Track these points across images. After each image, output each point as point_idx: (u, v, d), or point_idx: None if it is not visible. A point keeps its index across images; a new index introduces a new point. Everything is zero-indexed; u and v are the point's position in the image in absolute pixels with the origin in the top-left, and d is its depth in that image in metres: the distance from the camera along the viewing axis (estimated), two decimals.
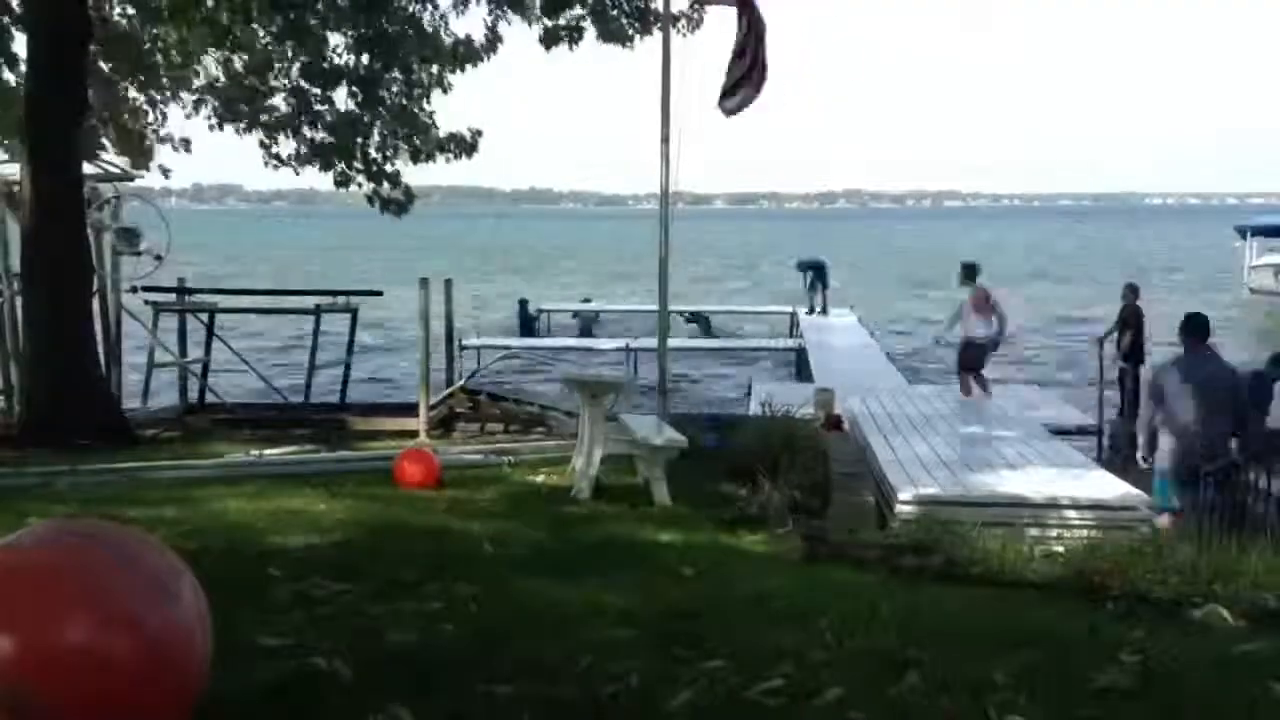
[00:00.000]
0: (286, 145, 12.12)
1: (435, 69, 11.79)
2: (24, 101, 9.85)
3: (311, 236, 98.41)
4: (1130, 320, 14.08)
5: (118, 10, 11.71)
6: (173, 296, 12.49)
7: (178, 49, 11.57)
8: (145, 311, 12.12)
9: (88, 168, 10.63)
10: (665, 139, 8.98)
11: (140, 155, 12.39)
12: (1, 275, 10.70)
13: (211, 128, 12.05)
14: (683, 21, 10.96)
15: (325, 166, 12.11)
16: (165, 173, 13.39)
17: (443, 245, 72.88)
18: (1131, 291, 14.37)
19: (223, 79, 11.92)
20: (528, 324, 26.08)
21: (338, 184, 12.33)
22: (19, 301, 10.41)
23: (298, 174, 12.34)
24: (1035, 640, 3.83)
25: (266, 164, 12.21)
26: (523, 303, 27.02)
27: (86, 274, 10.13)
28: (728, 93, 8.80)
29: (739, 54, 8.72)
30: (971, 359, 12.54)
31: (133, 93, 12.29)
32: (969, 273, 12.78)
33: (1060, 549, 5.75)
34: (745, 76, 8.72)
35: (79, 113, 9.84)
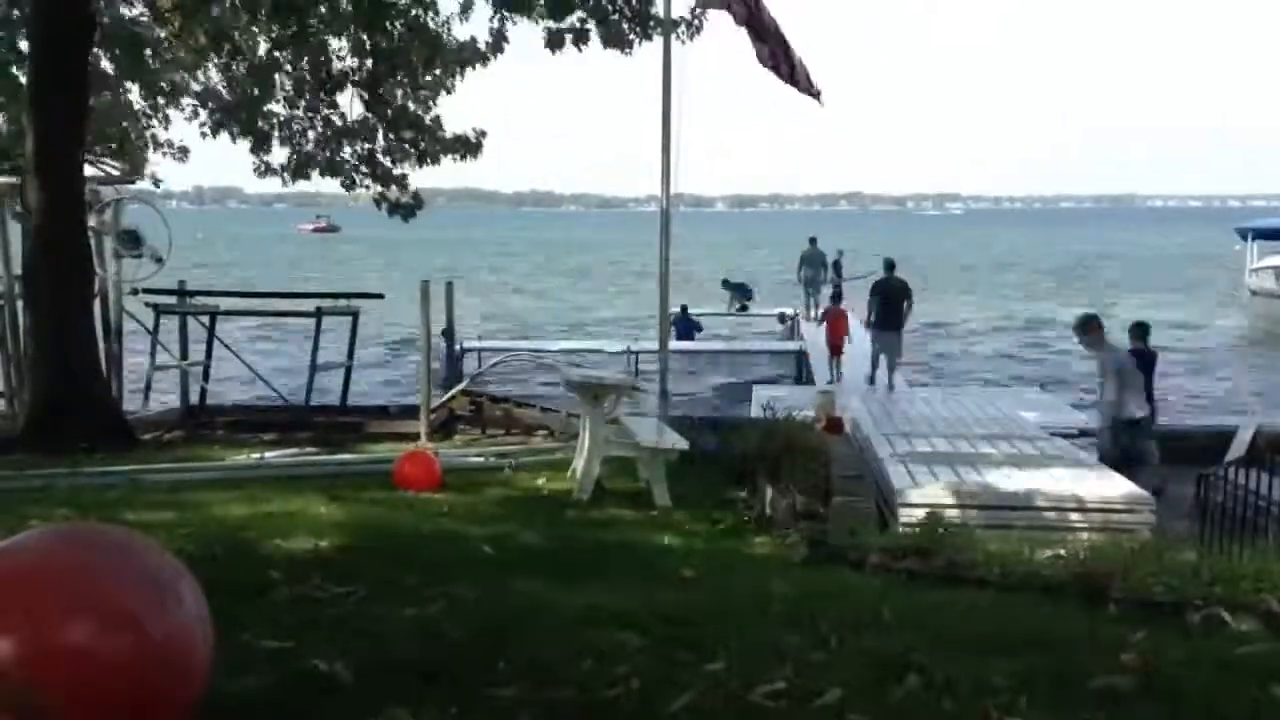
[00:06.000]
0: (280, 154, 12.13)
1: (439, 72, 11.80)
2: (26, 102, 9.86)
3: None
4: None
5: (127, 12, 11.72)
6: (173, 299, 12.49)
7: (178, 48, 11.57)
8: (146, 314, 12.12)
9: (89, 170, 10.64)
10: (666, 146, 9.03)
11: (130, 162, 12.39)
12: (3, 277, 10.71)
13: (204, 135, 12.02)
14: (682, 27, 10.98)
15: (332, 172, 12.09)
16: (156, 182, 13.43)
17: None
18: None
19: (221, 84, 11.92)
20: (687, 331, 23.89)
21: (345, 187, 12.31)
22: (20, 304, 10.41)
23: (285, 184, 12.29)
24: (1036, 643, 3.82)
25: (256, 171, 12.09)
26: (683, 308, 24.54)
27: (88, 276, 10.14)
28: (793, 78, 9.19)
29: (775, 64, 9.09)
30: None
31: (134, 97, 12.30)
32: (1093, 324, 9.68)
33: (1062, 551, 5.74)
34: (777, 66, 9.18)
35: (80, 114, 9.84)
